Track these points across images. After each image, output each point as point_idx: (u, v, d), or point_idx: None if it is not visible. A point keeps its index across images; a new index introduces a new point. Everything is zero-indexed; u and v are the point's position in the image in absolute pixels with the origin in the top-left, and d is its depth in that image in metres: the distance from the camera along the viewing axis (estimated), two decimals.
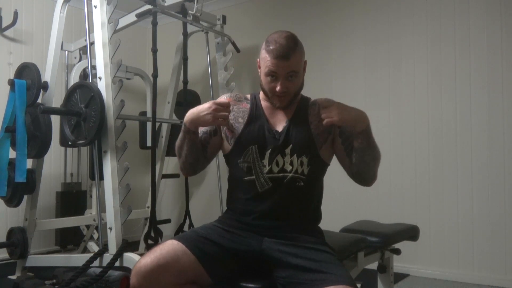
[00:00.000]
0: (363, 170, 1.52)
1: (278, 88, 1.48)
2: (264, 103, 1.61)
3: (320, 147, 1.54)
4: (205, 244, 1.45)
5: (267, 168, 1.50)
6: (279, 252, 1.43)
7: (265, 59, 1.49)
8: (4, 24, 3.74)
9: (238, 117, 1.58)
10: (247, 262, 1.48)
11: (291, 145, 1.51)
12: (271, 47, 1.46)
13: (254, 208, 1.51)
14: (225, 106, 1.48)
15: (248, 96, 1.66)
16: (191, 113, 1.49)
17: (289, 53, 1.45)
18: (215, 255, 1.44)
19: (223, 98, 1.64)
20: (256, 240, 1.48)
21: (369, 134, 1.46)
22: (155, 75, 3.06)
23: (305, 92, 1.63)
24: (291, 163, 1.50)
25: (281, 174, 1.50)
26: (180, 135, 1.54)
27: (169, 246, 1.41)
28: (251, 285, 1.40)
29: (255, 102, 1.62)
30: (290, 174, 1.50)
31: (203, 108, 1.47)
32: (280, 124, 1.56)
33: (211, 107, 1.45)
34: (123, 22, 3.31)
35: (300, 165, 1.51)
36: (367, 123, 1.45)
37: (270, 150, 1.51)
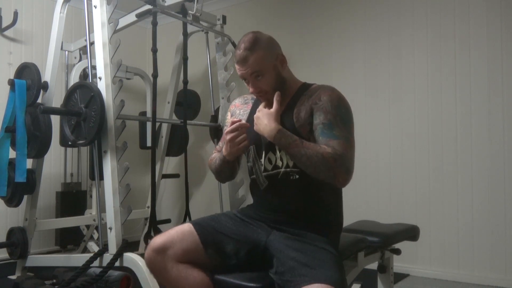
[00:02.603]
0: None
1: (250, 89, 1.54)
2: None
3: (307, 138, 1.47)
4: (214, 230, 1.54)
5: (263, 167, 1.56)
6: (281, 244, 1.46)
7: None
8: (4, 24, 3.74)
9: (244, 120, 1.63)
10: (250, 254, 1.51)
11: None
12: (236, 53, 1.53)
13: (264, 202, 1.59)
14: (238, 129, 1.50)
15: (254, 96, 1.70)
16: (225, 149, 1.57)
17: (246, 56, 1.49)
18: (220, 242, 1.52)
19: (232, 105, 1.75)
20: (265, 231, 1.52)
21: (284, 147, 1.46)
22: (155, 75, 3.05)
23: None
24: (281, 158, 1.53)
25: (274, 171, 1.54)
26: (219, 162, 1.64)
27: (180, 228, 1.55)
28: (251, 285, 1.40)
29: (256, 102, 1.66)
30: (282, 169, 1.52)
31: (227, 142, 1.54)
32: None
33: (228, 140, 1.52)
34: (123, 22, 3.31)
35: (289, 158, 1.50)
36: (272, 138, 1.46)
37: (265, 149, 1.55)
